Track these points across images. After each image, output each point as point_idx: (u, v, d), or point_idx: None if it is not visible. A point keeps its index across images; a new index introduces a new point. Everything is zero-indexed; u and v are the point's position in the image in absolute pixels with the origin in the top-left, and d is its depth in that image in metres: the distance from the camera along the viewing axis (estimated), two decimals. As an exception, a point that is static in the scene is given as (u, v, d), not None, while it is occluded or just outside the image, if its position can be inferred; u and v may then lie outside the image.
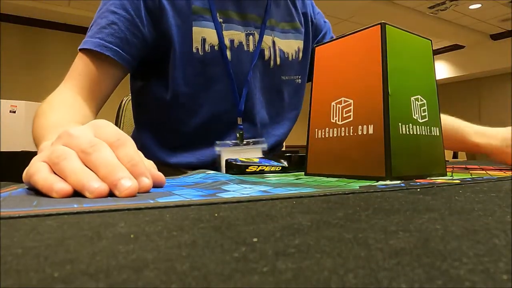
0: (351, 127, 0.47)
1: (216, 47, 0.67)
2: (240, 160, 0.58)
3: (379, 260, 0.13)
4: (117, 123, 0.94)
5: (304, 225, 0.19)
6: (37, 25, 5.21)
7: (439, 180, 0.43)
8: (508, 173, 0.52)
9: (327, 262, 0.12)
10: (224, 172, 0.59)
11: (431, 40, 0.51)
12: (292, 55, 0.77)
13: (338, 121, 0.49)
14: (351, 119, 0.47)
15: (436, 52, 7.13)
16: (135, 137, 0.76)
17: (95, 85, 0.61)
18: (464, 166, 0.73)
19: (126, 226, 0.18)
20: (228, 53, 0.68)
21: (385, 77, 0.44)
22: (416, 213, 0.22)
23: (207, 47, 0.66)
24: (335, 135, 0.49)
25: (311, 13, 0.85)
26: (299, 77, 0.80)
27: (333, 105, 0.50)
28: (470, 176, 0.47)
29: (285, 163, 0.61)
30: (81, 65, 0.61)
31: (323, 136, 0.51)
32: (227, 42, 0.68)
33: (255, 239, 0.16)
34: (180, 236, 0.16)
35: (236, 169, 0.57)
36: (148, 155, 0.36)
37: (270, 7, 0.74)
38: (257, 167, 0.58)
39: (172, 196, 0.29)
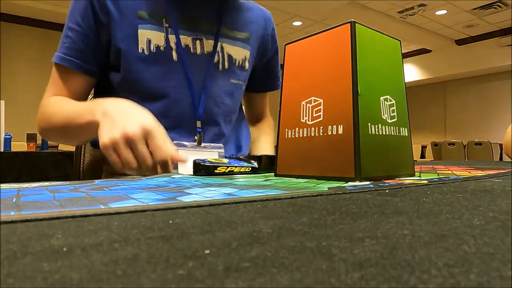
0: (321, 127, 0.46)
1: (161, 48, 0.71)
2: (209, 161, 0.56)
3: (342, 274, 0.11)
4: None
5: (264, 233, 0.17)
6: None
7: (408, 180, 0.43)
8: (473, 173, 0.53)
9: (283, 279, 0.11)
10: (178, 171, 0.59)
11: (400, 41, 0.51)
12: (239, 62, 0.81)
13: (308, 121, 0.48)
14: (321, 118, 0.46)
15: (405, 55, 7.39)
16: None
17: (71, 91, 0.72)
18: (431, 166, 0.74)
19: (62, 238, 0.16)
20: (174, 54, 0.72)
21: (355, 76, 0.43)
22: (384, 217, 0.21)
23: (152, 47, 0.71)
24: (305, 135, 0.48)
25: (266, 34, 0.89)
26: (243, 84, 0.84)
27: (303, 105, 0.49)
28: (437, 176, 0.47)
29: (255, 164, 0.60)
30: (55, 75, 0.73)
31: (293, 136, 0.49)
32: (172, 45, 0.72)
33: (207, 251, 0.14)
34: (122, 249, 0.14)
35: (204, 170, 0.55)
36: None
37: (223, 15, 0.78)
38: (226, 168, 0.56)
39: (127, 201, 0.27)
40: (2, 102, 2.62)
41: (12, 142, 2.78)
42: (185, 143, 0.72)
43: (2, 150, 2.60)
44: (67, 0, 0.73)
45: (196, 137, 0.74)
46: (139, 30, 0.70)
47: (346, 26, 0.44)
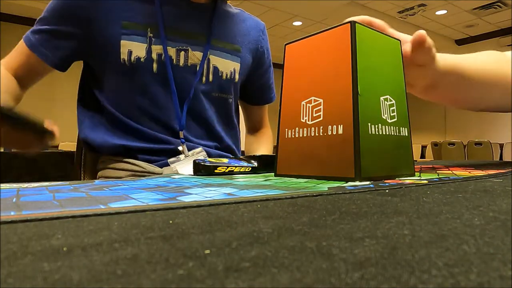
0: (321, 127, 0.46)
1: (142, 59, 0.71)
2: (209, 161, 0.56)
3: (342, 274, 0.11)
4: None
5: (264, 233, 0.17)
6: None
7: (408, 180, 0.43)
8: (473, 173, 0.53)
9: (283, 278, 0.11)
10: (178, 171, 0.59)
11: (400, 41, 0.51)
12: (226, 74, 0.79)
13: (308, 120, 0.48)
14: (321, 118, 0.46)
15: (405, 55, 7.35)
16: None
17: (25, 72, 0.74)
18: (431, 166, 0.74)
19: (63, 238, 0.16)
20: (155, 66, 0.71)
21: (355, 76, 0.43)
22: (384, 217, 0.21)
23: (132, 59, 0.71)
24: (305, 135, 0.48)
25: (260, 46, 0.88)
26: (231, 97, 0.82)
27: (303, 105, 0.49)
28: (437, 176, 0.47)
29: (255, 164, 0.60)
30: (20, 52, 0.74)
31: (293, 136, 0.49)
32: (154, 56, 0.71)
33: (207, 251, 0.14)
34: (122, 249, 0.14)
35: (204, 170, 0.55)
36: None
37: (214, 26, 0.77)
38: (226, 168, 0.56)
39: (127, 201, 0.27)
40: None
41: (12, 142, 2.78)
42: (177, 158, 0.72)
43: (2, 150, 2.60)
44: (67, 0, 0.74)
45: (181, 148, 0.73)
46: (121, 41, 0.70)
47: (346, 26, 0.44)
